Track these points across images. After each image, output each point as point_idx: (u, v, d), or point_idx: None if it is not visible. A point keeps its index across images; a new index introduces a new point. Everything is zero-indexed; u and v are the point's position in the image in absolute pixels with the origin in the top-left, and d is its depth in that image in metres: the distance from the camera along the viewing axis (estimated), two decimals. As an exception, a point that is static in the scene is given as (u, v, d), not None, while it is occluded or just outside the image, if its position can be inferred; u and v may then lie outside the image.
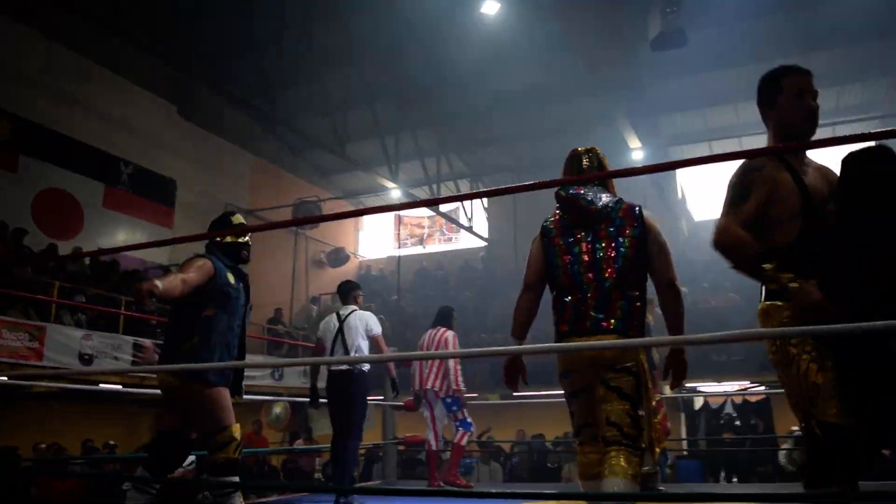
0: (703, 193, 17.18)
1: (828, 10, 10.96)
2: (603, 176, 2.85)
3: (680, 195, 17.12)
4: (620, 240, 2.69)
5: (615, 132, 13.21)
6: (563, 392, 2.82)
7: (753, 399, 12.27)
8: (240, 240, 3.68)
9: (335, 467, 5.24)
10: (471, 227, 18.02)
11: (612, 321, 2.64)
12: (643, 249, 2.70)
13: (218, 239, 3.64)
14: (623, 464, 2.50)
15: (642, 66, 12.03)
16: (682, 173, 16.84)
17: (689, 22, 8.38)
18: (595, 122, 13.44)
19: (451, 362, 5.71)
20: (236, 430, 3.38)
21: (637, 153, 13.45)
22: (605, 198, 2.78)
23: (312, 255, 17.39)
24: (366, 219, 20.52)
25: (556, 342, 2.74)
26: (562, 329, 2.73)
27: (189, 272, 3.37)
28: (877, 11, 10.63)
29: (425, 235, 20.20)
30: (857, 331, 1.84)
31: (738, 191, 2.22)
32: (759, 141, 2.33)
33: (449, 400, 5.78)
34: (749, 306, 3.22)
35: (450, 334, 5.95)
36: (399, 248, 19.76)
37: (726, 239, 2.16)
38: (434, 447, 5.93)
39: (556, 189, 2.77)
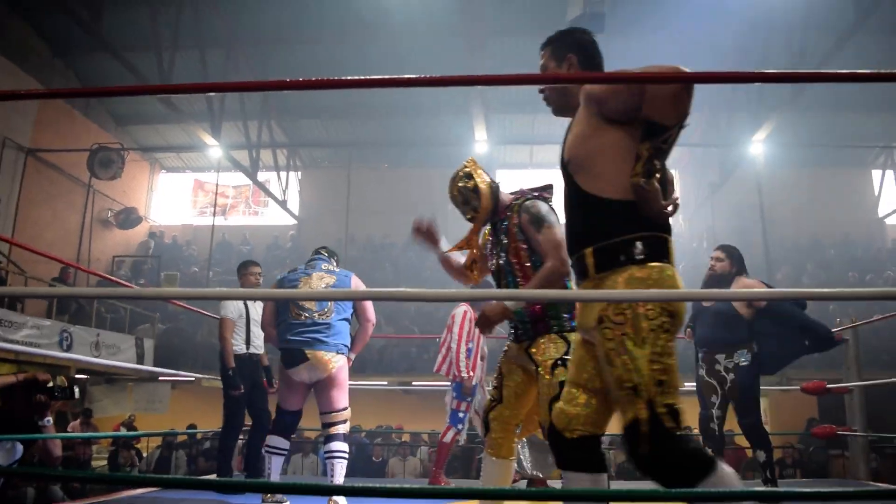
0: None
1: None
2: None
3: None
4: None
5: (464, 121, 13.03)
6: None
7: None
8: None
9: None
10: (285, 200, 16.82)
11: None
12: None
13: None
14: None
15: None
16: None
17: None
18: (445, 109, 13.13)
19: (454, 342, 4.84)
20: None
21: (481, 145, 13.35)
22: None
23: (97, 213, 15.03)
24: (161, 180, 18.31)
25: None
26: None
27: None
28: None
29: (228, 206, 18.50)
30: None
31: None
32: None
33: (453, 385, 4.89)
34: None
35: (459, 310, 4.94)
36: (201, 216, 17.91)
37: None
38: (443, 438, 4.93)
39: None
